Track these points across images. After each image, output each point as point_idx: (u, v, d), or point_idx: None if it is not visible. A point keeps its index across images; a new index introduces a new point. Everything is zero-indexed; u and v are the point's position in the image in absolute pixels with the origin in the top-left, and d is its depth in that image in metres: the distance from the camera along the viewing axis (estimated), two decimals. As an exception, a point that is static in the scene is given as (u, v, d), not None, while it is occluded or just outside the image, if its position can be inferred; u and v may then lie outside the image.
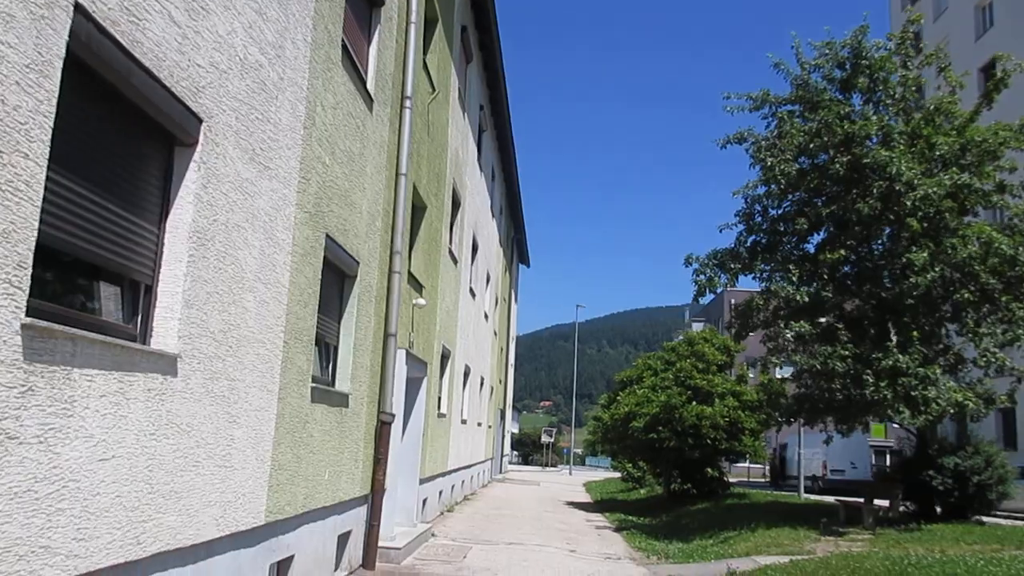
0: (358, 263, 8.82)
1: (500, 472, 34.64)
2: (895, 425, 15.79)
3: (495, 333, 28.53)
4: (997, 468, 13.90)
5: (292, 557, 6.99)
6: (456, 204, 16.93)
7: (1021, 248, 13.44)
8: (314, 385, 7.35)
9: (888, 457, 42.17)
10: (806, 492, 32.13)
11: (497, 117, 23.98)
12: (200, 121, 4.94)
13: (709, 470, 20.65)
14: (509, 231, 33.57)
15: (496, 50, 19.93)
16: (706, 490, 20.88)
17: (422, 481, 13.86)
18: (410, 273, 11.96)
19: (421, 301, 12.09)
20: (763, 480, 42.69)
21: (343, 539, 8.96)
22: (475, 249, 20.97)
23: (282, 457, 6.55)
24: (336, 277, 8.45)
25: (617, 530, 16.12)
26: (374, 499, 9.72)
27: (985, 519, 14.44)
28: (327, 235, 7.60)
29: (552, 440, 59.26)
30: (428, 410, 13.93)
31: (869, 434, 40.18)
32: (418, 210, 12.98)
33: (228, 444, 5.45)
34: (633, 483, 29.07)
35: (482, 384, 24.35)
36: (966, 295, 13.37)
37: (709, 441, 18.98)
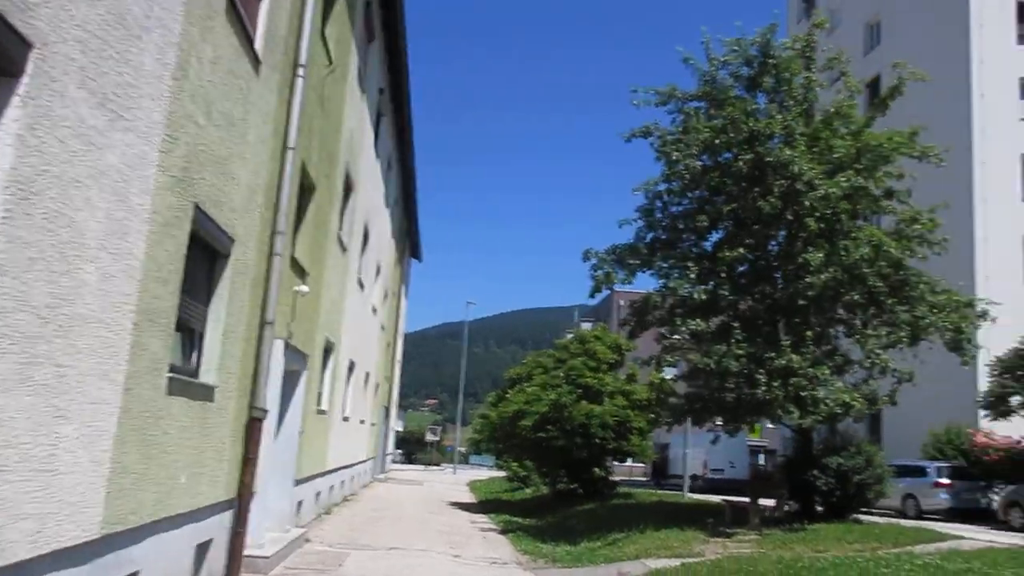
0: (233, 241, 7.88)
1: (383, 471, 33.62)
2: (769, 426, 16.06)
3: (383, 328, 27.57)
4: (876, 467, 14.23)
5: (136, 574, 6.04)
6: (349, 189, 15.99)
7: (907, 252, 13.79)
8: (172, 375, 6.41)
9: (763, 457, 43.79)
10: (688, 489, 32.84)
11: (397, 104, 23.08)
12: (29, 47, 4.00)
13: (596, 470, 20.46)
14: (402, 223, 32.61)
15: (400, 31, 19.07)
16: (592, 490, 20.69)
17: (298, 482, 12.90)
18: (293, 258, 11.02)
19: (304, 288, 11.17)
20: (644, 479, 43.38)
21: (202, 549, 8.00)
22: (366, 239, 20.02)
23: (126, 458, 5.62)
24: (206, 254, 7.49)
25: (503, 532, 15.61)
26: (241, 503, 8.78)
27: (862, 517, 14.77)
28: (196, 205, 6.66)
29: (437, 439, 58.51)
30: (307, 406, 12.98)
31: (746, 435, 41.66)
32: (306, 190, 12.02)
33: (51, 444, 4.52)
34: (518, 483, 28.69)
35: (367, 380, 23.38)
36: (855, 297, 13.60)
37: (598, 440, 18.76)
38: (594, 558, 11.84)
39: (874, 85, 28.43)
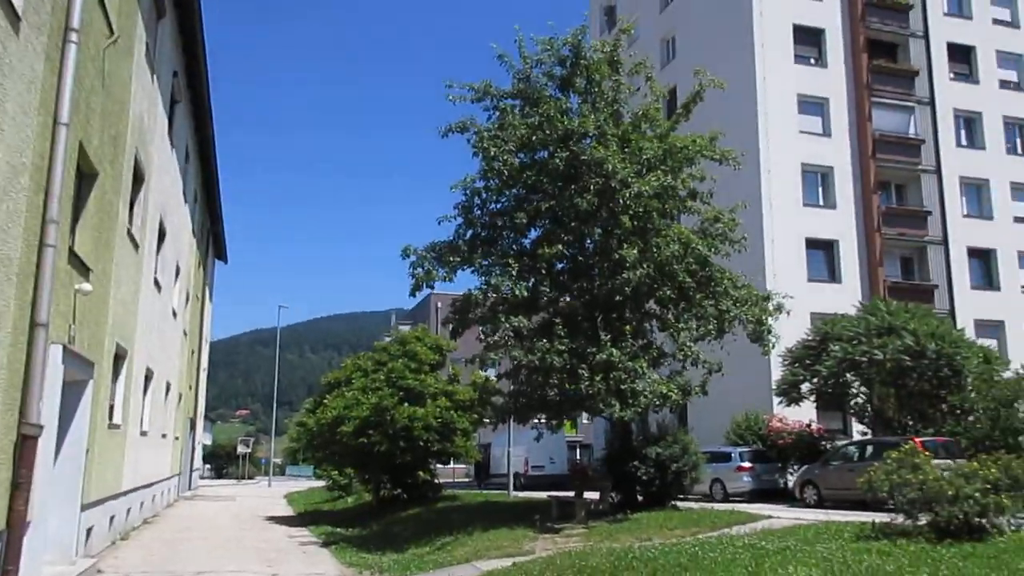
0: (-12, 227, 6.66)
1: (190, 488, 31.19)
2: (584, 421, 16.42)
3: (185, 333, 25.52)
4: (691, 455, 14.76)
5: None
6: (139, 179, 14.44)
7: (712, 250, 14.44)
8: (-93, 388, 5.23)
9: (580, 452, 45.19)
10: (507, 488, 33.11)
11: (194, 91, 21.32)
12: None
13: (421, 473, 19.94)
14: (204, 221, 30.45)
15: (195, 9, 17.57)
16: (417, 495, 20.18)
17: (85, 507, 11.40)
18: (72, 251, 9.67)
19: (87, 287, 9.82)
20: (468, 480, 43.41)
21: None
22: (162, 236, 18.31)
23: None
24: (-49, 242, 6.25)
25: (325, 545, 14.74)
26: (11, 536, 7.49)
27: (679, 504, 15.29)
28: (-67, 180, 5.50)
29: (249, 451, 55.51)
30: (95, 420, 11.51)
31: (564, 431, 42.77)
32: (88, 177, 10.63)
33: None
34: (339, 492, 27.65)
35: (168, 390, 21.47)
36: (667, 292, 14.04)
37: (421, 443, 18.26)
38: (423, 565, 11.36)
39: (672, 95, 30.00)
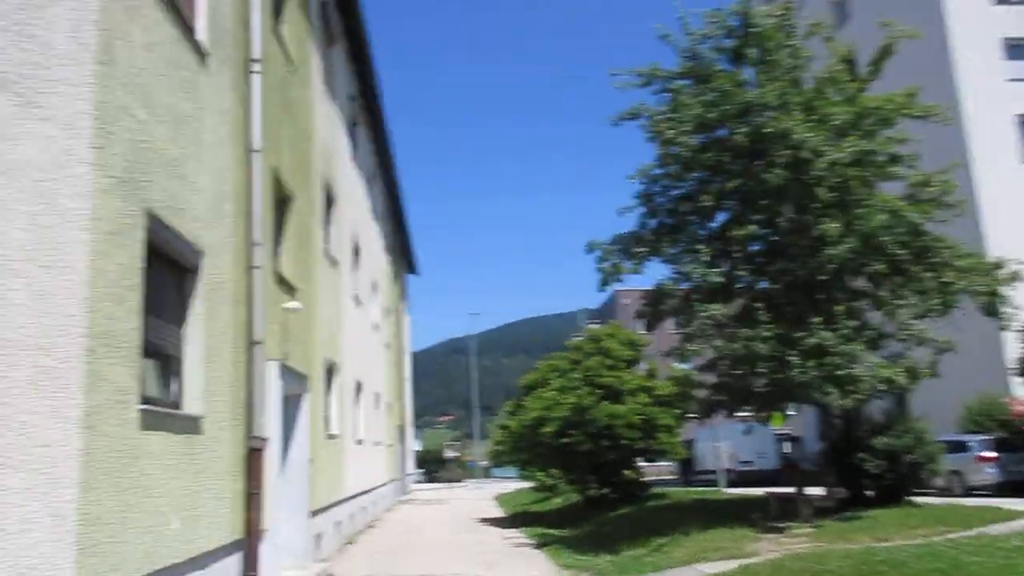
0: (201, 253, 7.04)
1: (405, 493, 32.68)
2: (791, 413, 15.22)
3: (387, 346, 26.71)
4: (927, 445, 13.30)
5: (124, 642, 5.17)
6: (330, 200, 15.17)
7: (925, 216, 12.95)
8: (145, 407, 5.56)
9: (790, 445, 42.78)
10: (716, 485, 31.81)
11: (371, 114, 22.28)
12: None
13: (626, 472, 19.51)
14: (394, 238, 31.81)
15: (363, 36, 18.29)
16: (625, 493, 19.73)
17: (314, 513, 12.02)
18: (279, 273, 10.18)
19: (295, 305, 10.32)
20: (672, 478, 42.38)
21: (209, 599, 7.14)
22: (357, 253, 19.19)
23: (98, 508, 4.76)
24: (170, 269, 6.65)
25: (539, 547, 14.68)
26: (249, 544, 7.91)
27: (916, 499, 13.83)
28: (149, 212, 5.82)
29: (457, 454, 57.48)
30: (315, 431, 12.12)
31: (771, 424, 40.65)
32: (284, 202, 11.21)
33: (-14, 499, 3.68)
34: (546, 492, 27.75)
35: (377, 400, 22.51)
36: (878, 267, 12.72)
37: (624, 441, 17.82)
38: (641, 567, 10.93)
39: (848, 62, 27.58)
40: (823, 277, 12.33)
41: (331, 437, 13.95)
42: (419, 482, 64.48)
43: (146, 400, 5.76)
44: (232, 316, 7.87)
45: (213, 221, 7.39)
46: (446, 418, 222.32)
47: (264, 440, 8.22)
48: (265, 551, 8.71)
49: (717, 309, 12.29)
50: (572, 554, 13.18)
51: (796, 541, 10.78)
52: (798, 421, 50.21)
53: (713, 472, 35.04)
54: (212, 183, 7.43)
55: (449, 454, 56.91)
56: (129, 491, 5.23)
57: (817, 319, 12.12)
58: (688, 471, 37.77)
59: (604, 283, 13.91)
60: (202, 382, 6.88)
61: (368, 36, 18.60)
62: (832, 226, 12.07)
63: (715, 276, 12.44)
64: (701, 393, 14.46)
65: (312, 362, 12.11)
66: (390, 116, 23.14)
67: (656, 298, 13.79)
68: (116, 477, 5.03)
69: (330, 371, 14.29)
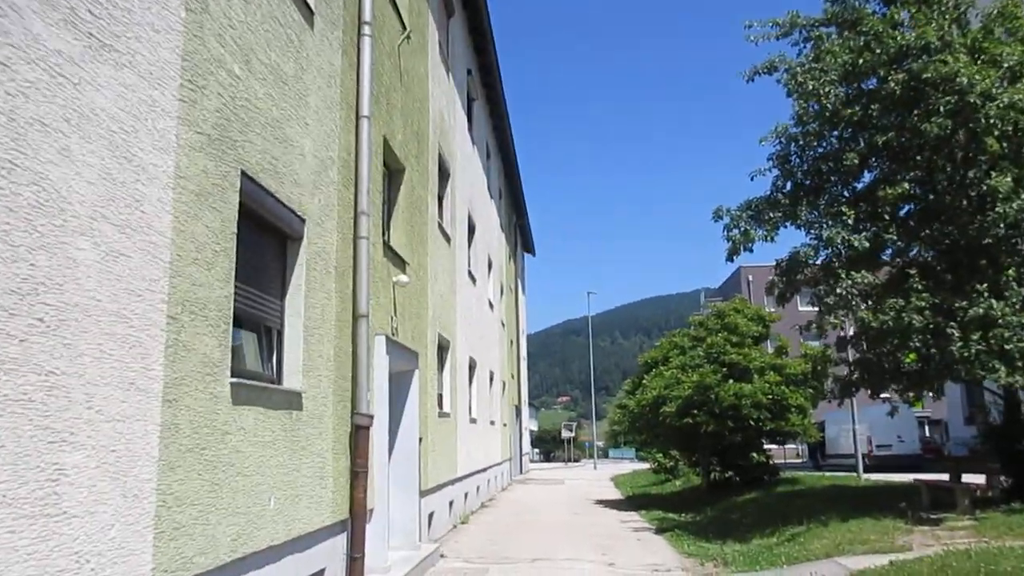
0: (303, 220, 6.68)
1: (521, 472, 32.51)
2: (929, 395, 13.66)
3: (503, 324, 26.39)
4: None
5: (218, 630, 4.86)
6: (444, 174, 14.80)
7: None
8: (238, 380, 5.22)
9: (927, 428, 39.76)
10: (850, 471, 29.83)
11: (489, 89, 21.85)
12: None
13: (754, 455, 18.41)
14: (510, 216, 31.42)
15: (482, 7, 17.82)
16: (751, 477, 18.66)
17: (425, 493, 11.74)
18: (388, 245, 9.83)
19: (403, 278, 9.95)
20: (799, 461, 40.37)
21: (313, 582, 6.87)
22: (472, 229, 18.83)
23: (182, 487, 4.43)
24: (270, 237, 6.31)
25: (658, 532, 13.95)
26: (354, 524, 7.59)
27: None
28: (244, 172, 5.46)
29: (573, 435, 57.09)
30: (426, 409, 11.81)
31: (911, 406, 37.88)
32: (395, 172, 10.86)
33: (50, 481, 3.33)
34: (665, 474, 26.89)
35: (492, 379, 22.22)
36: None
37: (751, 422, 16.74)
38: (774, 558, 10.02)
39: None
40: (989, 240, 10.88)
41: (443, 416, 13.65)
42: (535, 462, 64.65)
43: (240, 373, 5.43)
44: (337, 288, 7.52)
45: (317, 187, 7.02)
46: (563, 399, 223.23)
47: (370, 417, 7.87)
48: (373, 531, 8.41)
49: (863, 277, 11.08)
50: (695, 541, 12.40)
51: (955, 536, 9.58)
52: (942, 404, 46.96)
53: (846, 456, 33.02)
54: (316, 148, 7.06)
55: (566, 434, 56.48)
56: (218, 470, 4.90)
57: (982, 286, 10.72)
58: (818, 455, 35.76)
59: (732, 253, 12.90)
60: (302, 356, 6.54)
61: (488, 9, 18.14)
62: (1003, 180, 10.62)
63: (861, 241, 11.22)
64: (840, 371, 13.22)
65: (423, 338, 11.77)
66: (509, 93, 22.57)
67: (790, 268, 12.64)
68: (203, 454, 4.70)
69: (442, 348, 13.98)
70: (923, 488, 12.43)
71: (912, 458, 31.25)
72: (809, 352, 18.20)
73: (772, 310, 19.82)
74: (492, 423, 21.89)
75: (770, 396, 16.88)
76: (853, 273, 11.14)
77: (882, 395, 14.48)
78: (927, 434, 38.06)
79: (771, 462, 19.23)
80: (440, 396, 13.86)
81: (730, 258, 13.17)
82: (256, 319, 6.04)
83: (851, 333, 12.96)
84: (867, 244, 11.30)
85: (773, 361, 17.86)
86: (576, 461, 61.88)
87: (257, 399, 5.57)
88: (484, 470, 19.36)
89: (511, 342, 30.28)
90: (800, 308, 18.34)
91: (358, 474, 7.65)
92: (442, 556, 11.00)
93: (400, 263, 10.35)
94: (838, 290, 11.19)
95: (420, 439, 11.32)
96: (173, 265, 4.44)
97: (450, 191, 15.29)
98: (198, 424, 4.65)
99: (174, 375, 4.38)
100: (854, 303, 11.15)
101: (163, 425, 4.25)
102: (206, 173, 4.89)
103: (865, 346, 12.29)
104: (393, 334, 9.71)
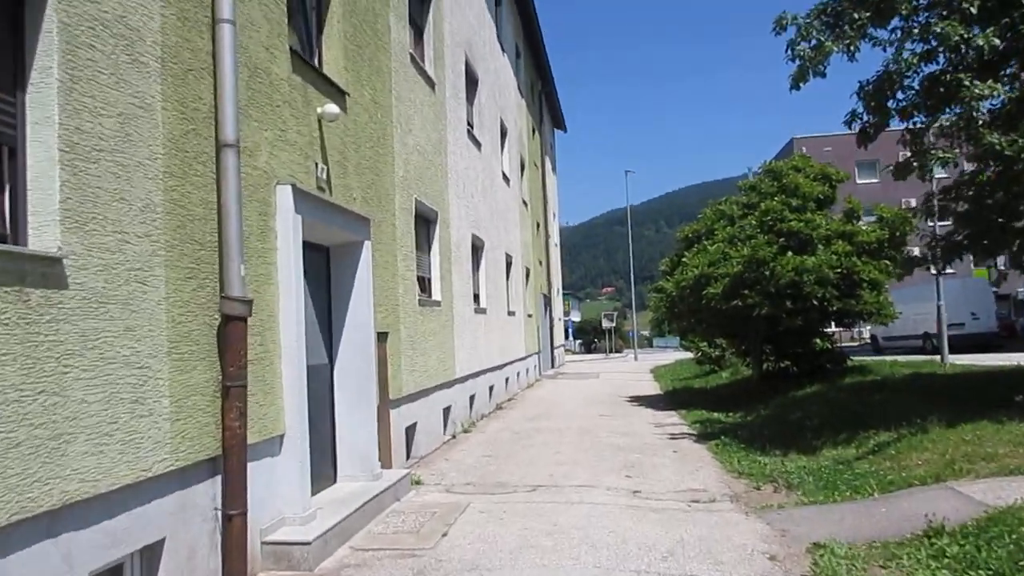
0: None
1: (552, 367, 30.15)
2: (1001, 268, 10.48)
3: (525, 204, 23.38)
4: None
5: None
6: (422, -2, 11.58)
7: None
8: None
9: (1005, 304, 36.11)
10: (915, 352, 26.74)
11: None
12: None
13: (818, 341, 15.43)
14: (534, 81, 27.87)
15: None
16: (811, 367, 15.78)
17: (399, 402, 9.20)
18: (304, 61, 6.83)
19: (332, 108, 6.99)
20: (856, 344, 37.35)
21: (147, 560, 4.33)
22: (474, 82, 15.64)
23: None
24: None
25: (701, 439, 11.30)
26: (229, 466, 4.98)
27: None
28: None
29: (614, 324, 54.72)
30: (396, 296, 9.10)
31: (984, 278, 34.38)
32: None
33: None
34: (711, 365, 24.19)
35: (510, 264, 19.44)
36: None
37: (815, 302, 13.71)
38: (858, 482, 7.28)
39: None
40: None
41: (430, 304, 10.95)
42: (578, 353, 62.72)
43: None
44: (174, 94, 4.64)
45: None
46: (608, 290, 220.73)
47: (246, 304, 5.13)
48: (285, 467, 5.84)
49: (991, 89, 7.79)
50: (747, 452, 9.75)
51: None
52: (1014, 278, 43.27)
53: (910, 338, 29.87)
54: None
55: (606, 324, 54.03)
56: None
57: None
58: (879, 339, 32.68)
59: (800, 78, 9.61)
60: (70, 194, 3.74)
61: None
62: None
63: (989, 38, 7.85)
64: (938, 229, 10.12)
65: (385, 203, 8.91)
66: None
67: (881, 87, 9.26)
68: None
69: (425, 220, 11.12)
70: (1052, 379, 9.46)
71: (987, 336, 28.08)
72: (887, 214, 15.01)
73: (839, 170, 16.49)
74: (512, 314, 19.26)
75: (839, 269, 13.79)
76: (979, 83, 7.82)
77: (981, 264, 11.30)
78: (1004, 311, 34.70)
79: (836, 348, 16.24)
80: (424, 280, 11.13)
81: (795, 86, 9.88)
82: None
83: (959, 177, 9.73)
84: (997, 42, 7.93)
85: (842, 228, 14.65)
86: (619, 352, 59.73)
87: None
88: (499, 367, 16.83)
89: (537, 224, 27.34)
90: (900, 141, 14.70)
91: (230, 390, 4.98)
92: (416, 483, 8.50)
93: (334, 92, 7.39)
94: (958, 110, 7.89)
95: (385, 334, 8.65)
96: None
97: (433, 22, 12.09)
98: None
99: None
100: (980, 122, 7.87)
101: None
102: None
103: (987, 190, 9.06)
104: (321, 189, 6.87)
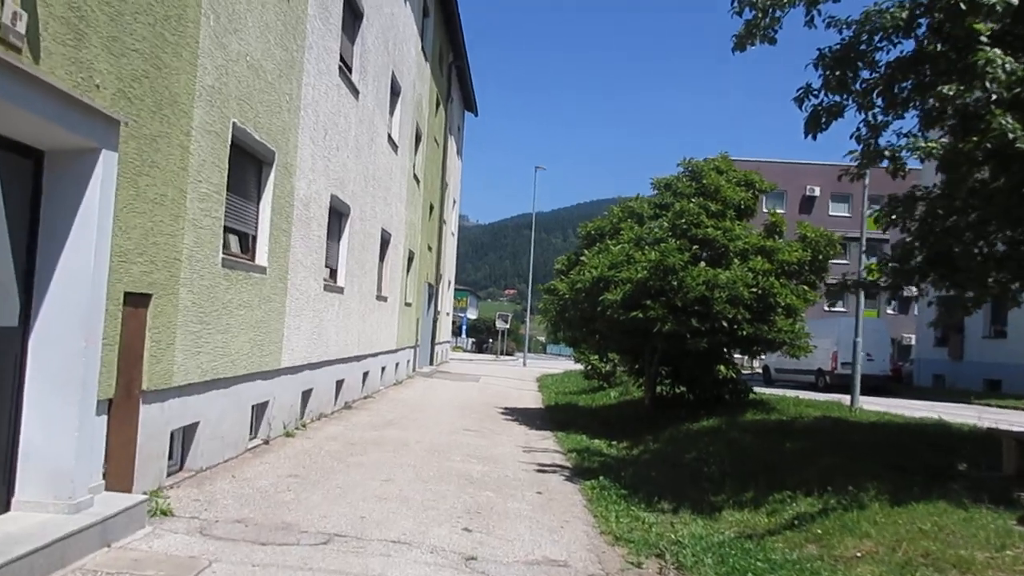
0: None
1: (431, 364, 27.60)
2: (890, 312, 8.89)
3: (416, 179, 20.81)
4: None
5: None
6: None
7: None
8: None
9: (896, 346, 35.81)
10: (807, 388, 25.48)
11: None
12: None
13: (722, 368, 13.48)
14: (444, 50, 25.33)
15: None
16: (710, 396, 13.87)
17: (166, 394, 6.55)
18: None
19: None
20: (749, 374, 36.27)
21: None
22: (357, 15, 13.06)
23: None
24: None
25: (575, 476, 9.06)
26: None
27: None
28: None
29: (507, 326, 52.61)
30: (178, 244, 6.43)
31: (878, 318, 33.70)
32: None
33: None
34: (599, 381, 22.20)
35: (386, 243, 16.87)
36: None
37: (724, 323, 11.77)
38: (767, 559, 5.13)
39: None
40: None
41: (246, 268, 8.31)
42: (467, 351, 60.41)
43: None
44: None
45: None
46: (510, 292, 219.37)
47: None
48: None
49: (1007, 61, 5.76)
50: (629, 505, 7.54)
51: None
52: (901, 321, 43.47)
53: (801, 373, 28.72)
54: None
55: (500, 325, 51.86)
56: None
57: None
58: (772, 369, 31.56)
59: (746, 35, 7.53)
60: None
61: None
62: None
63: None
64: (898, 253, 8.21)
65: (164, 108, 6.21)
66: None
67: (848, 57, 7.14)
68: None
69: (246, 153, 8.39)
70: (1006, 443, 7.61)
71: (881, 379, 27.19)
72: (811, 234, 13.28)
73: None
74: (384, 299, 16.68)
75: (754, 288, 11.89)
76: (997, 50, 5.77)
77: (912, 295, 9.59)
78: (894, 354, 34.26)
79: (740, 378, 14.39)
80: (246, 237, 8.49)
81: (741, 46, 7.85)
82: None
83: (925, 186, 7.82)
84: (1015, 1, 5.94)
85: (762, 243, 12.79)
86: (509, 355, 57.73)
87: None
88: (356, 359, 14.23)
89: (431, 206, 24.80)
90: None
91: None
92: (161, 514, 5.88)
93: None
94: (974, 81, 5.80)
95: (147, 296, 5.99)
96: None
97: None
98: None
99: None
100: (995, 98, 5.81)
101: None
102: None
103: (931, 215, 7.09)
104: (14, 48, 4.20)
